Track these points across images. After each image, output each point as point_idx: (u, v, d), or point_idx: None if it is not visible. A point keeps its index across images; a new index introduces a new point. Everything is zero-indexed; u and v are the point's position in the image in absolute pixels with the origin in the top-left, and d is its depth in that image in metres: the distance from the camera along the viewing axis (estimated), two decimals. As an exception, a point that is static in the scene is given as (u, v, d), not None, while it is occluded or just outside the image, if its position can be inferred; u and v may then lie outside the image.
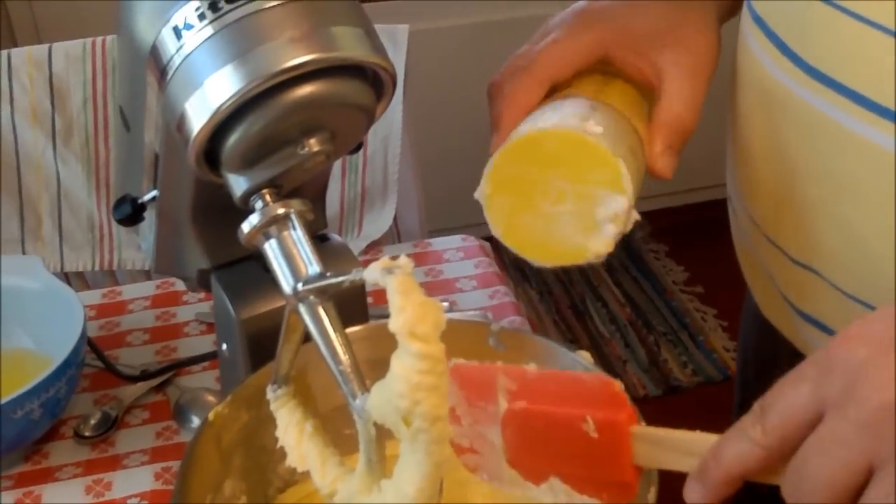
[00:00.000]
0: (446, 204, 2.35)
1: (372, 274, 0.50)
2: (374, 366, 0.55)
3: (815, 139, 0.62)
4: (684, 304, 2.43)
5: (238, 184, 0.58)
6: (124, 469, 0.86)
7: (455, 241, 1.15)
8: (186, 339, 1.00)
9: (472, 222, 1.25)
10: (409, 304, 0.49)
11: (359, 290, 0.70)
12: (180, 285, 1.07)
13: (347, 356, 0.55)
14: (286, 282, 0.56)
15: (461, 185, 2.55)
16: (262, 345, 0.65)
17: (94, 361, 0.96)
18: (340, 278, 0.54)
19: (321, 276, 0.56)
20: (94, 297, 1.06)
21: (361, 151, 1.13)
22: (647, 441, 0.52)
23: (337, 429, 0.64)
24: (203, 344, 0.99)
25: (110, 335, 1.01)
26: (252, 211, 0.58)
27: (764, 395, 0.47)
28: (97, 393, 0.94)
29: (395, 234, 1.20)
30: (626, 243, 2.62)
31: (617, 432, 0.52)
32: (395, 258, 0.51)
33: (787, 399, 0.46)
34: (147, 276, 1.15)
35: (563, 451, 0.55)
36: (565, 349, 0.67)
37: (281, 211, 0.57)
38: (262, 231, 0.57)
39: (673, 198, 2.61)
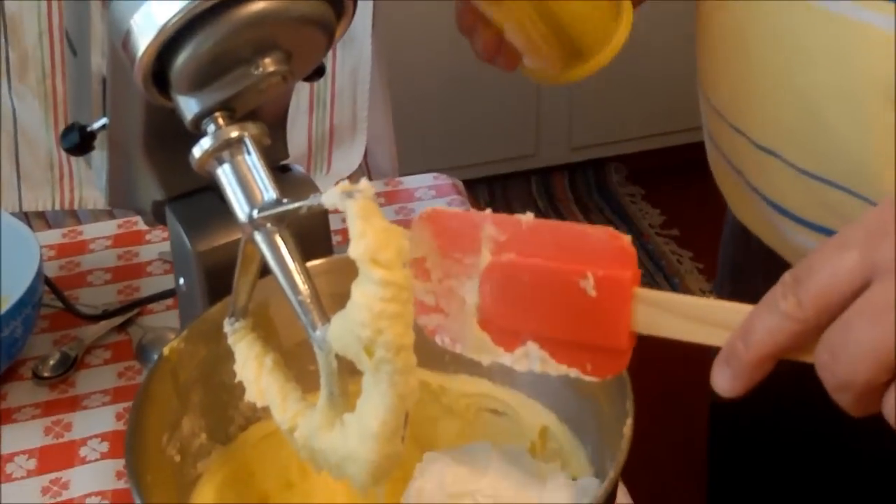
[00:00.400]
0: (419, 146, 2.32)
1: (330, 198, 0.48)
2: (337, 300, 0.52)
3: (770, 14, 0.62)
4: (660, 247, 2.42)
5: (188, 106, 0.55)
6: (84, 410, 0.83)
7: (427, 179, 1.13)
8: (149, 279, 0.97)
9: (447, 166, 1.23)
10: (370, 230, 0.47)
11: (321, 221, 0.68)
12: (143, 224, 1.04)
13: (307, 286, 0.53)
14: (240, 209, 0.54)
15: (435, 124, 2.52)
16: (220, 279, 0.63)
17: (53, 301, 0.94)
18: (297, 204, 0.51)
19: (277, 202, 0.53)
20: (55, 236, 1.03)
21: (330, 85, 1.10)
22: (651, 304, 0.46)
23: (301, 364, 0.62)
24: (167, 283, 0.96)
25: (71, 275, 0.98)
26: (204, 135, 0.55)
27: (795, 266, 0.43)
28: (56, 333, 0.91)
29: (365, 172, 1.18)
30: (601, 186, 2.61)
31: (618, 291, 0.46)
32: (355, 183, 0.48)
33: (830, 265, 0.42)
34: (110, 215, 1.12)
35: (550, 310, 0.49)
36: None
37: (234, 134, 0.54)
38: (215, 155, 0.54)
39: (649, 141, 2.59)
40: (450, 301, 0.52)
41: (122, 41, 0.52)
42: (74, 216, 1.13)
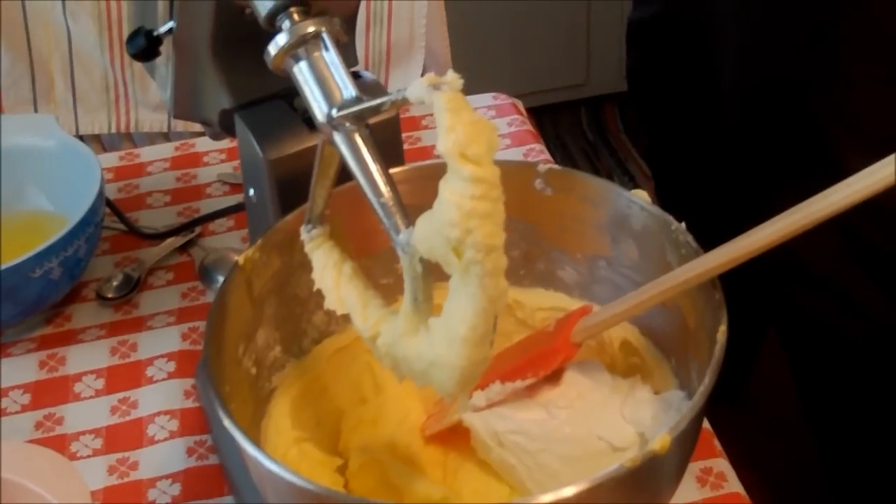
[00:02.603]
0: (476, 67, 2.26)
1: (416, 91, 0.46)
2: (415, 212, 0.50)
3: None
4: (713, 177, 2.37)
5: (263, 1, 0.52)
6: (150, 330, 0.83)
7: (486, 98, 1.10)
8: (209, 201, 0.96)
9: (504, 87, 1.20)
10: (459, 123, 0.45)
11: (393, 130, 0.65)
12: (201, 146, 1.03)
13: (388, 188, 0.50)
14: (319, 108, 0.51)
15: (482, 52, 2.47)
16: (291, 188, 0.61)
17: (114, 224, 0.93)
18: (379, 100, 0.49)
19: (357, 99, 0.51)
20: (112, 159, 1.02)
21: (387, 3, 1.07)
22: (584, 320, 0.58)
23: (374, 279, 0.60)
24: (226, 205, 0.94)
25: (129, 197, 0.97)
26: (279, 32, 0.52)
27: None
28: (118, 255, 0.90)
29: (422, 94, 1.15)
30: (653, 116, 2.55)
31: (566, 320, 0.59)
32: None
33: None
34: (166, 138, 1.11)
35: (520, 353, 0.62)
36: (619, 189, 0.62)
37: (311, 29, 0.51)
38: (291, 52, 0.51)
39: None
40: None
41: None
42: (130, 140, 1.12)
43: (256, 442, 0.50)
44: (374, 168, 0.50)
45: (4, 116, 1.04)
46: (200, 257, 0.89)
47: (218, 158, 1.01)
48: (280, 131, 0.62)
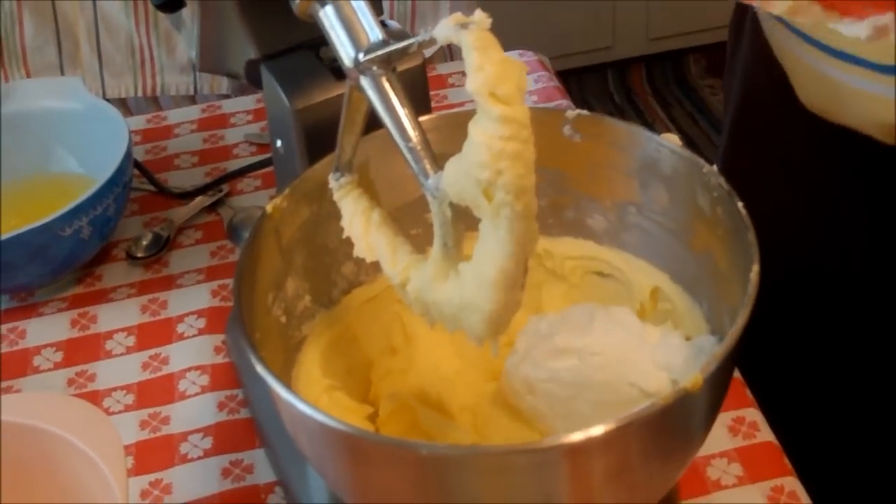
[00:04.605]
0: (502, 30, 2.25)
1: (443, 31, 0.45)
2: (444, 161, 0.49)
3: None
4: (741, 139, 2.35)
5: (288, -55, 0.52)
6: (179, 288, 0.83)
7: (512, 56, 1.09)
8: (236, 161, 0.96)
9: (530, 45, 1.19)
10: (487, 62, 0.44)
11: (420, 79, 0.65)
12: (227, 107, 1.03)
13: (417, 132, 0.50)
14: (345, 52, 0.51)
15: (507, 15, 2.45)
16: (318, 138, 0.61)
17: (143, 185, 0.93)
18: (406, 42, 0.48)
19: (384, 42, 0.50)
20: (139, 122, 1.02)
21: (411, -39, 1.06)
22: None
23: (403, 229, 0.60)
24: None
25: (157, 159, 0.97)
26: (304, -22, 0.52)
27: None
28: (147, 216, 0.91)
29: (447, 52, 1.14)
30: (680, 78, 2.53)
31: None
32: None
33: None
34: (192, 101, 1.11)
35: None
36: (648, 133, 0.62)
37: (337, -27, 0.51)
38: (317, -4, 0.51)
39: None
40: None
41: None
42: (156, 103, 1.12)
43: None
44: (401, 112, 0.50)
45: (31, 80, 1.05)
46: (229, 216, 0.89)
47: (244, 119, 1.01)
48: (307, 81, 0.61)
